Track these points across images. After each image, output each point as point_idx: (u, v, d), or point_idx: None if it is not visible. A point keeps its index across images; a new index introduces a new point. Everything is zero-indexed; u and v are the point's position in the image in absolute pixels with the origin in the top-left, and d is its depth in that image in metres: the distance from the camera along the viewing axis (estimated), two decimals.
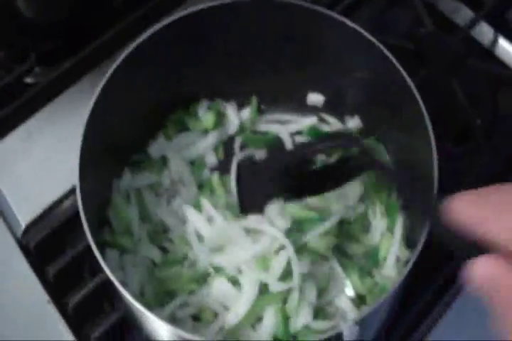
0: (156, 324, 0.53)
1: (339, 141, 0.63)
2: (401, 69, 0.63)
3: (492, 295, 0.34)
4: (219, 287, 0.62)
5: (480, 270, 0.35)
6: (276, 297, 0.61)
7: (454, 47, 0.84)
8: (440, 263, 0.69)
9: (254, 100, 0.75)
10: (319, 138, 0.71)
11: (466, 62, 0.83)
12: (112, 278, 0.53)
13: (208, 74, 0.72)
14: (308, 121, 0.75)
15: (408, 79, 0.63)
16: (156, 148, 0.71)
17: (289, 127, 0.74)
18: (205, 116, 0.73)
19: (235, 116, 0.73)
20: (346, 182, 0.63)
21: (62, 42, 0.81)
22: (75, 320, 0.66)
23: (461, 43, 0.84)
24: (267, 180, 0.65)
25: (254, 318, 0.61)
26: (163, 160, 0.71)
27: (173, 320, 0.61)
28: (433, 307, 0.68)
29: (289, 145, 0.73)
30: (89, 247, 0.67)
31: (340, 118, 0.76)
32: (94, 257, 0.68)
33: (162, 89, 0.70)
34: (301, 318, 0.59)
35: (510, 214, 0.34)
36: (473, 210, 0.35)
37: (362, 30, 0.64)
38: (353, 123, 0.74)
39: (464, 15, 0.90)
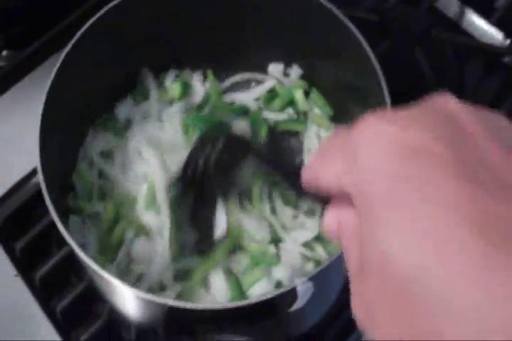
0: (118, 288, 0.54)
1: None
2: (360, 37, 0.64)
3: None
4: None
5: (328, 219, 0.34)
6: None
7: (419, 18, 0.84)
8: None
9: (210, 73, 0.76)
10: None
11: (430, 32, 0.83)
12: (70, 241, 0.54)
13: (174, 45, 0.73)
14: (268, 84, 0.76)
15: (368, 49, 0.63)
16: (123, 110, 0.72)
17: (252, 93, 0.75)
18: (172, 86, 0.73)
19: (201, 86, 0.74)
20: None
21: (29, 26, 0.82)
22: (42, 293, 0.66)
23: (425, 15, 0.85)
24: None
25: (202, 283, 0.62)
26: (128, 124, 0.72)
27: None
28: None
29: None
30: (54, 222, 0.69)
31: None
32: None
33: (126, 62, 0.71)
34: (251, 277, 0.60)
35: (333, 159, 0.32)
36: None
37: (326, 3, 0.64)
38: (295, 72, 0.75)
39: None
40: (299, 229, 0.66)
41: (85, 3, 0.82)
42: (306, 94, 0.76)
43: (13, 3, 0.81)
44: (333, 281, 0.61)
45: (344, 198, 0.32)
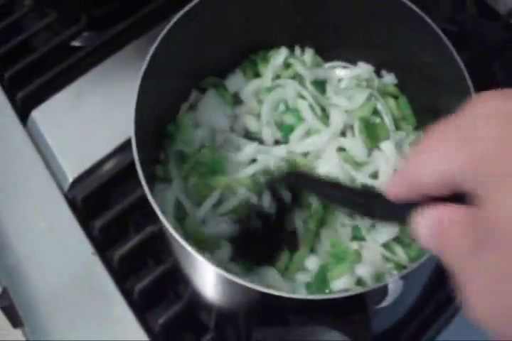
0: (204, 267, 0.53)
1: None
2: (450, 46, 0.64)
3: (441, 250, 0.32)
4: None
5: (424, 221, 0.33)
6: None
7: (496, 32, 0.85)
8: None
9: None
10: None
11: (507, 47, 0.84)
12: (162, 217, 0.53)
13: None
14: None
15: (457, 57, 0.64)
16: (233, 82, 0.73)
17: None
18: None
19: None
20: None
21: (114, 7, 0.82)
22: (119, 273, 0.67)
23: (502, 29, 0.85)
24: None
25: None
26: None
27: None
28: None
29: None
30: (134, 203, 0.69)
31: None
32: (140, 211, 0.70)
33: (230, 39, 0.71)
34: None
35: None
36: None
37: (417, 10, 0.65)
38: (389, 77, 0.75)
39: (505, 2, 0.91)
40: (379, 230, 0.66)
41: None
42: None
43: None
44: (418, 282, 0.61)
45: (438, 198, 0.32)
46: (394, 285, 0.53)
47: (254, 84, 0.73)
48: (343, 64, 0.76)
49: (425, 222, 0.33)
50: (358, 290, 0.52)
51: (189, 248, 0.52)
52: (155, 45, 0.61)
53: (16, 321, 0.77)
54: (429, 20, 0.64)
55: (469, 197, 0.30)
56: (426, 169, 0.32)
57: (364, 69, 0.75)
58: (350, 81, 0.75)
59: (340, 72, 0.76)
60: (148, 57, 0.61)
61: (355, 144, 0.69)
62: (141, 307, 0.65)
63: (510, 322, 0.29)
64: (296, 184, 0.60)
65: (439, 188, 0.32)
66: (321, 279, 0.62)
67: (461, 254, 0.31)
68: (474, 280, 0.30)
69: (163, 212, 0.61)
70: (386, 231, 0.66)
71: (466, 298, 0.30)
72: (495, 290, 0.29)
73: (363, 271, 0.63)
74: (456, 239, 0.31)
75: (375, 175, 0.68)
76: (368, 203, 0.46)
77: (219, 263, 0.60)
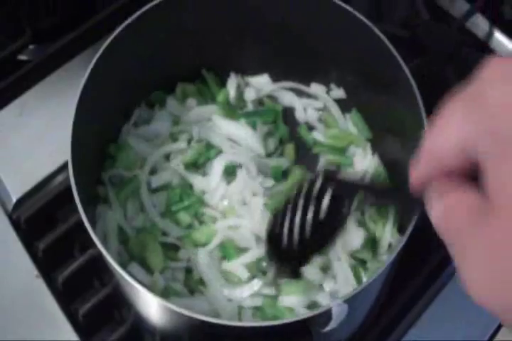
0: (146, 297, 0.53)
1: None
2: (397, 55, 0.63)
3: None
4: None
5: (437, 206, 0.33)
6: None
7: (450, 36, 0.84)
8: (428, 252, 0.69)
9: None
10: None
11: (461, 51, 0.83)
12: (98, 243, 0.52)
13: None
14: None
15: (403, 65, 0.63)
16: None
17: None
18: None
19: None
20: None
21: (58, 19, 0.80)
22: (63, 295, 0.65)
23: (457, 32, 0.84)
24: None
25: None
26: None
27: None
28: (419, 298, 0.69)
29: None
30: (79, 223, 0.68)
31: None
32: (84, 233, 0.68)
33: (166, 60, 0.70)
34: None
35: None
36: None
37: (362, 17, 0.64)
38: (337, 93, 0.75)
39: (459, 6, 0.90)
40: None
41: (115, 3, 0.81)
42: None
43: None
44: (365, 303, 0.60)
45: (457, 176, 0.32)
46: (338, 309, 0.52)
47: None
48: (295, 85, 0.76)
49: (437, 207, 0.34)
50: (301, 316, 0.52)
51: (128, 277, 0.50)
52: (95, 59, 0.60)
53: None
54: (376, 30, 0.63)
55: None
56: (441, 142, 0.32)
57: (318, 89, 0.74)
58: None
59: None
60: (87, 72, 0.60)
61: None
62: (86, 330, 0.64)
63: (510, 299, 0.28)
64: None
65: (459, 161, 0.32)
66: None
67: (462, 231, 0.30)
68: (474, 257, 0.30)
69: (107, 235, 0.60)
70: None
71: (466, 277, 0.30)
72: (495, 267, 0.28)
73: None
74: (460, 217, 0.31)
75: None
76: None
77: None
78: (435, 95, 0.76)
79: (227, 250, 0.62)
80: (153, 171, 0.67)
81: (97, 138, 0.66)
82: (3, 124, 0.73)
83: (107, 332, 0.64)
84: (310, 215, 0.50)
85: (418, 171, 0.35)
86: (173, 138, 0.69)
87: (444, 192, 0.33)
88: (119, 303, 0.64)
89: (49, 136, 0.72)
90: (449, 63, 0.82)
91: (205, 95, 0.72)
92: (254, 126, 0.69)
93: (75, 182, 0.55)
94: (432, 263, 0.69)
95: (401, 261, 0.57)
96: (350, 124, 0.73)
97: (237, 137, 0.68)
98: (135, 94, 0.70)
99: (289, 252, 0.52)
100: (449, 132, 0.32)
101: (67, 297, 0.65)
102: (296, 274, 0.55)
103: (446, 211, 0.32)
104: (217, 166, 0.65)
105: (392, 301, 0.67)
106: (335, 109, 0.74)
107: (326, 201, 0.49)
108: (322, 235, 0.51)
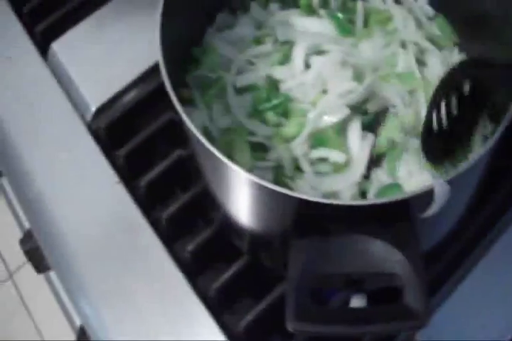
0: (236, 177, 0.49)
1: None
2: None
3: None
4: None
5: None
6: None
7: None
8: None
9: None
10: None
11: None
12: (191, 127, 0.49)
13: None
14: None
15: None
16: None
17: None
18: None
19: None
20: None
21: None
22: (145, 201, 0.63)
23: None
24: None
25: None
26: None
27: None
28: None
29: None
30: (160, 129, 0.66)
31: None
32: (165, 139, 0.66)
33: None
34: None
35: None
36: None
37: None
38: None
39: None
40: None
41: None
42: None
43: None
44: (466, 189, 0.55)
45: None
46: (440, 189, 0.48)
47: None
48: None
49: None
50: (402, 195, 0.48)
51: (223, 158, 0.47)
52: None
53: (40, 265, 0.74)
54: None
55: None
56: None
57: None
58: None
59: None
60: None
61: None
62: (169, 235, 0.61)
63: None
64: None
65: None
66: None
67: None
68: None
69: None
70: None
71: None
72: None
73: None
74: None
75: None
76: None
77: None
78: None
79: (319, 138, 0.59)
80: (238, 73, 0.64)
81: (181, 42, 0.63)
82: (80, 37, 0.71)
83: (191, 237, 0.61)
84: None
85: None
86: (257, 41, 0.66)
87: None
88: (204, 208, 0.61)
89: (126, 47, 0.70)
90: None
91: (287, 1, 0.69)
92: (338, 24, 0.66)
93: (169, 81, 0.52)
94: None
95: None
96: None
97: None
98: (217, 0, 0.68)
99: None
100: None
101: (149, 203, 0.63)
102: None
103: None
104: (299, 51, 0.63)
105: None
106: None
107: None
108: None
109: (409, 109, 0.61)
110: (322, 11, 0.67)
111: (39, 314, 1.46)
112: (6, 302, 1.49)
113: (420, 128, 0.55)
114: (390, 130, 0.61)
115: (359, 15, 0.67)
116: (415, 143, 0.60)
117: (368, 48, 0.65)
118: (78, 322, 0.71)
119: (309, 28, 0.66)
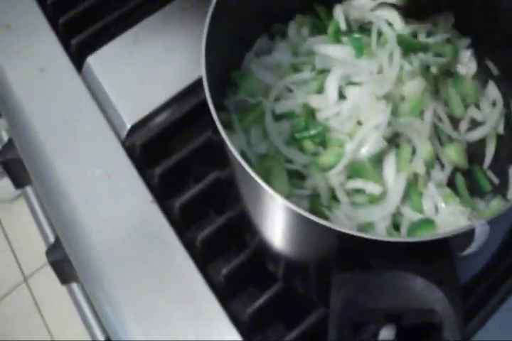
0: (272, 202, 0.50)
1: None
2: None
3: None
4: None
5: None
6: None
7: None
8: None
9: None
10: None
11: None
12: (233, 150, 0.50)
13: None
14: None
15: None
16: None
17: None
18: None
19: None
20: None
21: None
22: (179, 222, 0.64)
23: None
24: None
25: None
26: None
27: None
28: None
29: None
30: (196, 151, 0.66)
31: None
32: (201, 161, 0.66)
33: None
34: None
35: None
36: None
37: None
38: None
39: None
40: None
41: None
42: None
43: None
44: (501, 230, 0.57)
45: None
46: (481, 229, 0.50)
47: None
48: None
49: None
50: (444, 234, 0.49)
51: (262, 182, 0.48)
52: None
53: (65, 276, 0.75)
54: None
55: None
56: None
57: None
58: None
59: None
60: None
61: None
62: (203, 257, 0.62)
63: None
64: None
65: None
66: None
67: None
68: None
69: None
70: None
71: None
72: None
73: None
74: None
75: None
76: None
77: None
78: None
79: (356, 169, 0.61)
80: (276, 99, 0.65)
81: (221, 66, 0.64)
82: (116, 52, 0.72)
83: (225, 260, 0.61)
84: None
85: None
86: (295, 68, 0.67)
87: None
88: (239, 231, 0.62)
89: (163, 65, 0.71)
90: None
91: (319, 27, 0.70)
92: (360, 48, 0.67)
93: (213, 104, 0.53)
94: None
95: None
96: None
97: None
98: (256, 26, 0.68)
99: None
100: None
101: (183, 224, 0.64)
102: None
103: None
104: (331, 82, 0.64)
105: None
106: None
107: None
108: None
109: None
110: (345, 38, 0.68)
111: (53, 320, 1.48)
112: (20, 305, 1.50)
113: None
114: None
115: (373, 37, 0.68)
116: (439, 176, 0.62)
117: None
118: (101, 338, 0.72)
119: (332, 55, 0.67)
